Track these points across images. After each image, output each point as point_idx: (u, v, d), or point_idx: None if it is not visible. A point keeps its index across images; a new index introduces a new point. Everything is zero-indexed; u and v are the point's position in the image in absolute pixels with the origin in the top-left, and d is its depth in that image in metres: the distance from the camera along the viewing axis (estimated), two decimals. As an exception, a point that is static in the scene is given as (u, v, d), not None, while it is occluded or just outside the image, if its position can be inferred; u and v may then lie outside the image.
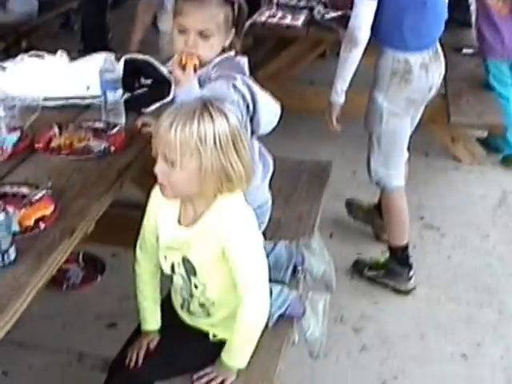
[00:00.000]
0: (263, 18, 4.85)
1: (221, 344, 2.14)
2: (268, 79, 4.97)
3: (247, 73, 2.41)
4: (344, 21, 4.61)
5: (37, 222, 2.04)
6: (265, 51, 5.59)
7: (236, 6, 2.40)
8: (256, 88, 2.36)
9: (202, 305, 2.12)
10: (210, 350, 2.17)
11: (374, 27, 3.21)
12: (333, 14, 4.82)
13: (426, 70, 3.31)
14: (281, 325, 2.43)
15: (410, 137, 3.61)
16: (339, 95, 3.37)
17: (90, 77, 2.99)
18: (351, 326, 3.38)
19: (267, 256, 2.62)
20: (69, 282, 3.59)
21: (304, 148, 4.91)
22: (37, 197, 2.15)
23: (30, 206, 2.11)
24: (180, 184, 1.91)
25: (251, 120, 2.39)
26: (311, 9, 5.05)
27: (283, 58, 5.30)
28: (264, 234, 2.60)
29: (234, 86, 2.26)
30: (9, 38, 6.64)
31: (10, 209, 2.00)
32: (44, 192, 2.17)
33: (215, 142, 1.83)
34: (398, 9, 3.22)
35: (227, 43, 2.40)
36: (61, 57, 3.38)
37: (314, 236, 2.80)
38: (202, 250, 2.00)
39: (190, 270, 2.05)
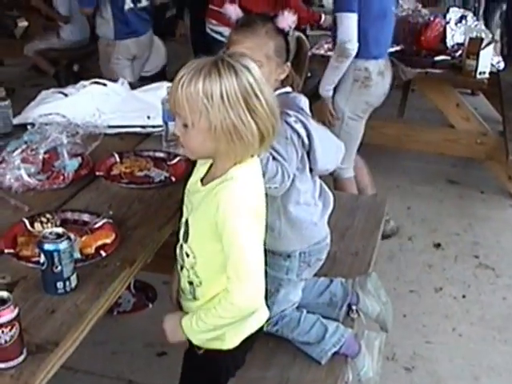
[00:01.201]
0: (322, 51, 4.86)
1: (208, 355, 2.06)
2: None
3: (305, 109, 2.36)
4: (403, 55, 4.63)
5: (98, 249, 2.05)
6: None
7: (291, 38, 2.35)
8: (313, 125, 2.31)
9: (190, 283, 2.01)
10: (200, 364, 2.11)
11: None
12: (391, 49, 4.80)
13: (382, 76, 3.88)
14: (335, 362, 2.41)
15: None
16: (329, 91, 3.90)
17: (151, 106, 3.03)
18: (403, 365, 3.32)
19: (322, 293, 2.62)
20: (120, 308, 3.60)
21: (359, 181, 4.89)
22: (98, 225, 2.17)
23: (91, 234, 2.13)
24: (195, 144, 1.83)
25: (308, 156, 2.35)
26: (369, 43, 5.06)
27: (340, 90, 5.28)
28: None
29: (287, 123, 2.22)
30: (61, 63, 6.81)
31: (71, 235, 2.01)
32: (105, 220, 2.19)
33: (222, 99, 1.73)
34: (366, 20, 3.67)
35: (282, 76, 2.33)
36: (122, 84, 3.44)
37: (370, 276, 2.75)
38: (200, 214, 1.89)
39: (185, 234, 1.96)
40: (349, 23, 3.62)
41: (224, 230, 1.82)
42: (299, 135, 2.25)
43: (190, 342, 2.07)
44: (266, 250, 2.39)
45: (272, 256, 2.44)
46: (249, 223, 1.83)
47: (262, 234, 1.93)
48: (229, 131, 1.76)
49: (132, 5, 4.86)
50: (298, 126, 2.25)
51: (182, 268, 2.04)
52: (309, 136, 2.28)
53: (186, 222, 1.95)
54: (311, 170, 2.39)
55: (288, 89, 2.37)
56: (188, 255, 1.97)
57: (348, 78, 3.83)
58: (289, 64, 2.33)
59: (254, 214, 1.85)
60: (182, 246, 1.99)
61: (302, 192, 2.36)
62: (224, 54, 1.85)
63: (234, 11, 2.35)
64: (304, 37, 2.42)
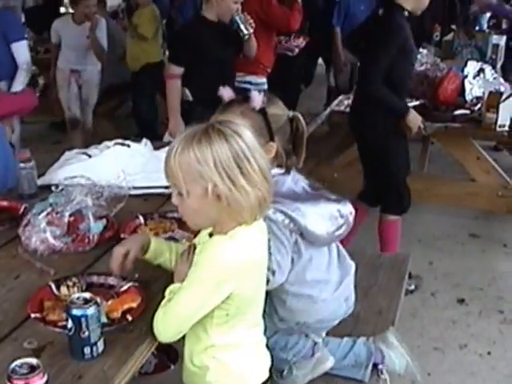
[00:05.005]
0: (342, 107, 4.91)
1: None
2: (344, 167, 5.00)
3: (292, 189, 2.38)
4: (423, 110, 4.65)
5: (124, 314, 2.05)
6: (340, 139, 5.63)
7: (285, 118, 2.38)
8: (296, 211, 2.30)
9: None
10: None
11: None
12: (411, 104, 4.83)
13: None
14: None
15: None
16: None
17: (174, 166, 3.05)
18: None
19: (346, 355, 2.59)
20: (141, 369, 3.55)
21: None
22: (124, 288, 2.18)
23: (118, 298, 2.13)
24: (192, 213, 1.88)
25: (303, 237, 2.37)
26: (388, 98, 5.07)
27: (360, 146, 5.31)
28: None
29: (269, 219, 2.21)
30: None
31: (98, 300, 2.01)
32: (131, 284, 2.19)
33: (215, 165, 1.78)
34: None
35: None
36: (145, 145, 3.47)
37: (388, 329, 2.74)
38: None
39: None
40: (25, 48, 5.19)
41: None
42: (284, 225, 2.29)
43: None
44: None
45: None
46: (212, 283, 1.84)
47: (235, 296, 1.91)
48: (225, 196, 1.80)
49: None
50: (279, 217, 2.27)
51: None
52: (293, 221, 2.29)
53: None
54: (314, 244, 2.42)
55: (276, 170, 2.34)
56: None
57: None
58: (273, 144, 2.32)
59: (227, 277, 1.84)
60: None
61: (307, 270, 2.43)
62: (215, 121, 1.90)
63: (226, 93, 2.39)
64: (300, 116, 2.42)
